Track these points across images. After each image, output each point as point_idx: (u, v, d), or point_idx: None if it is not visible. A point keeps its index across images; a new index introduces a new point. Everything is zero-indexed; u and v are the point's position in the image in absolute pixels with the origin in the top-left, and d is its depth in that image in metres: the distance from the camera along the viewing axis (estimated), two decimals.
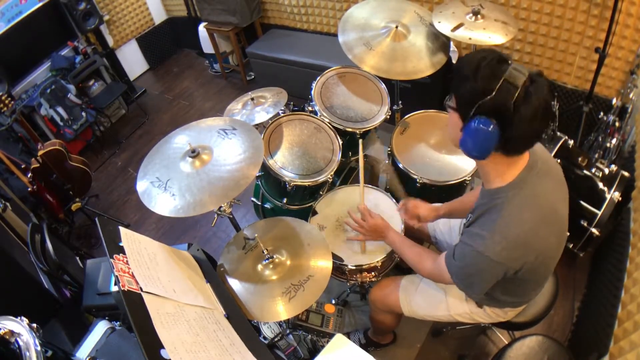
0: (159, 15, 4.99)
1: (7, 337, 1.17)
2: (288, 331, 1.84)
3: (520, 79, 1.00)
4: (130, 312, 1.02)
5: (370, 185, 1.96)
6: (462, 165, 2.00)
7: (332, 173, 1.90)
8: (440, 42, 2.11)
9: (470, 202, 1.59)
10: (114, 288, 1.30)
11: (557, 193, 1.22)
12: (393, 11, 2.18)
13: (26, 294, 2.09)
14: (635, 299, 1.52)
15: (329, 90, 2.17)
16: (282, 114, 2.04)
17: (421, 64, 2.03)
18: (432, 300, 1.63)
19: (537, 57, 2.85)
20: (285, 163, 1.91)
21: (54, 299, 2.14)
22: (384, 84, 2.21)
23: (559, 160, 2.10)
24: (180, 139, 1.65)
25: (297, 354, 1.83)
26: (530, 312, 1.64)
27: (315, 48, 3.75)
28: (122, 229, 1.28)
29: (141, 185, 1.51)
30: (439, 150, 2.08)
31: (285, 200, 1.99)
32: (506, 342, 1.77)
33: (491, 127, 1.03)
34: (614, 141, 2.36)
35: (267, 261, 1.53)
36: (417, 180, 1.94)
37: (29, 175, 2.87)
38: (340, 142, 1.98)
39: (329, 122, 2.02)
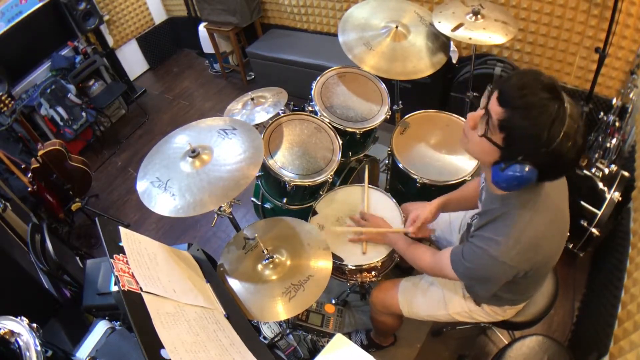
0: (159, 15, 4.99)
1: (7, 337, 1.17)
2: (288, 331, 1.84)
3: (574, 128, 0.95)
4: (130, 312, 1.02)
5: (370, 186, 1.96)
6: (462, 165, 2.00)
7: (332, 173, 1.90)
8: (440, 42, 2.11)
9: (468, 194, 1.59)
10: (114, 288, 1.30)
11: (561, 192, 1.23)
12: (393, 11, 2.18)
13: (26, 294, 2.09)
14: (636, 299, 1.52)
15: (329, 90, 2.17)
16: (282, 114, 2.04)
17: (421, 64, 2.03)
18: (431, 300, 1.64)
19: (537, 57, 2.85)
20: (285, 163, 1.91)
21: (54, 299, 2.14)
22: (384, 84, 2.21)
23: None
24: (180, 139, 1.65)
25: (297, 354, 1.83)
26: (530, 312, 1.64)
27: (315, 48, 3.75)
28: (122, 229, 1.28)
29: (141, 185, 1.51)
30: (439, 150, 2.08)
31: (285, 200, 1.99)
32: (506, 342, 1.77)
33: (534, 176, 1.00)
34: (614, 141, 2.35)
35: (267, 261, 1.53)
36: (417, 180, 1.94)
37: (29, 175, 2.87)
38: (340, 142, 1.98)
39: (329, 122, 2.02)
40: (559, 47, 2.72)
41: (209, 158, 1.53)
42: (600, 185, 2.08)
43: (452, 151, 2.05)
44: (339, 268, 1.73)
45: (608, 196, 2.04)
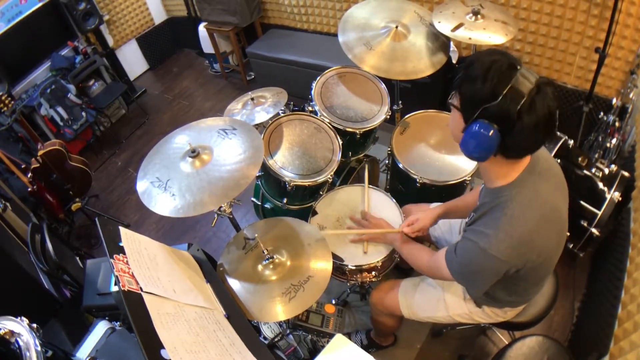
0: (159, 15, 4.99)
1: (7, 337, 1.17)
2: (288, 331, 1.84)
3: (527, 86, 0.99)
4: (131, 313, 1.02)
5: (370, 186, 1.96)
6: (462, 165, 2.00)
7: (332, 173, 1.90)
8: (440, 42, 2.11)
9: (469, 202, 1.59)
10: (114, 288, 1.30)
11: (558, 192, 1.23)
12: (393, 11, 2.18)
13: (26, 294, 2.09)
14: (636, 299, 1.52)
15: (329, 90, 2.17)
16: (282, 114, 2.04)
17: (421, 63, 2.03)
18: (431, 301, 1.63)
19: (537, 57, 2.85)
20: (285, 163, 1.91)
21: (54, 299, 2.14)
22: (384, 84, 2.21)
23: (559, 160, 2.11)
24: (180, 139, 1.65)
25: (297, 354, 1.83)
26: (530, 312, 1.64)
27: (315, 48, 3.75)
28: (122, 229, 1.28)
29: (141, 185, 1.51)
30: (439, 150, 2.08)
31: (285, 200, 1.99)
32: (506, 343, 1.77)
33: (492, 132, 1.02)
34: (614, 141, 2.36)
35: (267, 261, 1.53)
36: (417, 180, 1.94)
37: (29, 175, 2.87)
38: (340, 142, 1.98)
39: (329, 122, 2.02)
40: (559, 47, 2.72)
41: (209, 158, 1.53)
42: (600, 185, 2.08)
43: (452, 151, 2.05)
44: (339, 268, 1.73)
45: (608, 196, 2.04)
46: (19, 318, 1.23)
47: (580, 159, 2.18)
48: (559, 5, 2.55)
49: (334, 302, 2.23)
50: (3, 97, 2.89)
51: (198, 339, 1.12)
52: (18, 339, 1.17)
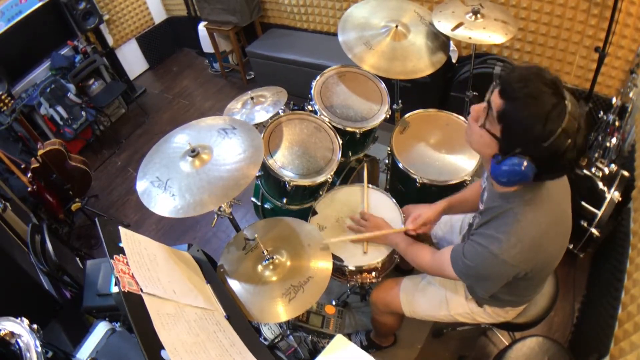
0: (158, 15, 4.98)
1: (8, 338, 1.17)
2: (288, 332, 1.84)
3: (575, 126, 0.95)
4: (131, 313, 1.01)
5: (370, 186, 1.96)
6: (462, 165, 2.00)
7: (332, 173, 1.90)
8: (440, 41, 2.11)
9: (471, 196, 1.59)
10: (114, 289, 1.31)
11: (564, 193, 1.23)
12: (393, 10, 2.18)
13: (26, 294, 2.08)
14: (636, 299, 1.52)
15: (329, 89, 2.17)
16: (282, 114, 2.04)
17: (421, 63, 2.02)
18: (433, 300, 1.63)
19: (537, 56, 2.85)
20: (285, 163, 1.90)
21: (54, 300, 2.14)
22: (383, 84, 2.21)
23: None
24: (180, 139, 1.64)
25: (297, 355, 1.83)
26: (530, 313, 1.64)
27: (315, 47, 3.75)
28: (122, 230, 1.28)
29: (141, 185, 1.51)
30: (439, 150, 2.08)
31: (285, 200, 1.99)
32: (506, 343, 1.78)
33: (530, 169, 1.00)
34: (613, 140, 2.35)
35: (267, 262, 1.52)
36: (417, 180, 1.93)
37: (29, 175, 2.86)
38: (340, 142, 1.98)
39: (328, 122, 2.02)
40: (559, 46, 2.71)
41: (209, 157, 1.53)
42: (600, 185, 2.08)
43: (452, 151, 2.05)
44: (339, 269, 1.73)
45: (608, 196, 2.04)
46: (19, 319, 1.22)
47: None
48: (559, 4, 2.55)
49: (334, 302, 2.23)
50: (3, 97, 2.88)
51: (198, 339, 1.12)
52: (18, 340, 1.17)
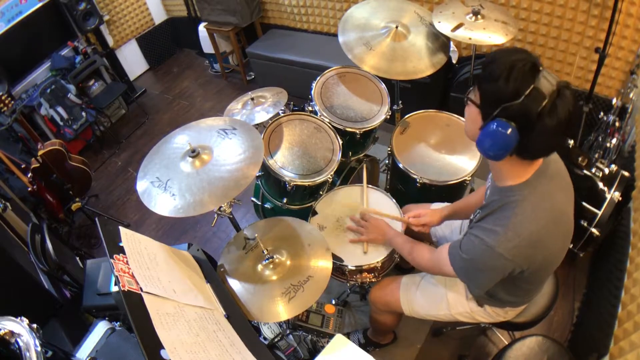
0: (159, 15, 4.98)
1: (7, 337, 1.17)
2: (288, 331, 1.84)
3: (549, 88, 0.98)
4: (131, 313, 1.02)
5: (371, 186, 1.96)
6: (462, 165, 2.00)
7: (332, 173, 1.90)
8: (440, 42, 2.11)
9: (474, 203, 1.60)
10: (114, 288, 1.30)
11: (566, 196, 1.23)
12: (393, 11, 2.18)
13: (26, 294, 2.08)
14: (636, 299, 1.52)
15: (329, 90, 2.17)
16: (282, 114, 2.04)
17: (421, 64, 2.03)
18: (433, 299, 1.63)
19: (537, 56, 2.85)
20: (285, 163, 1.91)
21: (54, 299, 2.14)
22: (384, 84, 2.21)
23: None
24: (180, 139, 1.65)
25: (297, 355, 1.83)
26: (530, 313, 1.64)
27: (315, 48, 3.75)
28: (122, 229, 1.28)
29: (141, 185, 1.51)
30: (439, 150, 2.08)
31: (285, 200, 1.99)
32: (506, 343, 1.77)
33: (510, 130, 1.01)
34: (614, 141, 2.35)
35: (267, 261, 1.53)
36: (417, 180, 1.94)
37: (29, 175, 2.87)
38: (340, 142, 1.98)
39: (329, 122, 2.02)
40: (559, 47, 2.72)
41: (209, 158, 1.53)
42: (600, 185, 2.08)
43: (452, 151, 2.05)
44: (338, 268, 1.74)
45: (608, 196, 2.04)
46: (19, 318, 1.22)
47: (580, 159, 2.18)
48: (559, 5, 2.55)
49: (333, 302, 2.23)
50: (3, 97, 2.88)
51: (198, 339, 1.12)
52: (18, 339, 1.17)
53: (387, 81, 2.18)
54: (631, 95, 2.38)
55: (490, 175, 1.33)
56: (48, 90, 3.57)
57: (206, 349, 1.10)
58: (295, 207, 2.04)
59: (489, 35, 1.99)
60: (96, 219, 1.28)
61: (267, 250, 1.53)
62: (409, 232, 1.76)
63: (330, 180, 1.94)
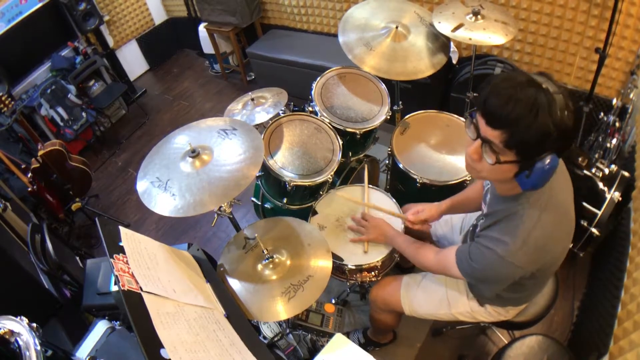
0: (159, 16, 4.99)
1: (7, 336, 1.17)
2: (288, 331, 1.84)
3: (561, 97, 0.95)
4: (130, 312, 1.02)
5: (371, 186, 1.96)
6: (463, 165, 1.98)
7: (332, 173, 1.90)
8: (440, 42, 2.11)
9: (473, 196, 1.60)
10: (114, 288, 1.30)
11: (568, 193, 1.23)
12: (393, 11, 2.18)
13: (26, 293, 2.09)
14: (635, 298, 1.52)
15: (329, 90, 2.17)
16: (282, 114, 2.04)
17: (421, 64, 2.03)
18: (433, 298, 1.63)
19: (537, 57, 2.85)
20: (285, 163, 1.91)
21: (54, 299, 2.15)
22: (384, 85, 2.21)
23: None
24: (181, 139, 1.65)
25: (297, 354, 1.83)
26: (530, 312, 1.64)
27: (315, 48, 3.75)
28: (122, 229, 1.28)
29: (141, 185, 1.51)
30: (439, 151, 2.08)
31: (285, 200, 1.99)
32: (506, 342, 1.77)
33: (556, 159, 1.00)
34: (614, 141, 2.35)
35: (267, 261, 1.53)
36: (417, 181, 1.94)
37: (29, 175, 2.87)
38: (341, 143, 1.98)
39: (329, 123, 2.02)
40: (559, 47, 2.72)
41: (209, 158, 1.53)
42: (601, 185, 2.08)
43: (452, 151, 2.06)
44: (338, 268, 1.73)
45: (608, 196, 2.04)
46: (19, 317, 1.23)
47: (580, 159, 2.18)
48: (559, 5, 2.56)
49: (333, 301, 2.24)
50: (3, 98, 2.89)
51: (198, 338, 1.12)
52: (18, 338, 1.17)
53: (387, 82, 2.18)
54: (631, 95, 2.38)
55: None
56: (48, 91, 3.58)
57: (206, 348, 1.11)
58: (295, 207, 2.04)
59: (489, 35, 1.99)
60: (96, 219, 1.28)
61: (267, 250, 1.53)
62: (409, 232, 1.76)
63: (330, 180, 1.94)
